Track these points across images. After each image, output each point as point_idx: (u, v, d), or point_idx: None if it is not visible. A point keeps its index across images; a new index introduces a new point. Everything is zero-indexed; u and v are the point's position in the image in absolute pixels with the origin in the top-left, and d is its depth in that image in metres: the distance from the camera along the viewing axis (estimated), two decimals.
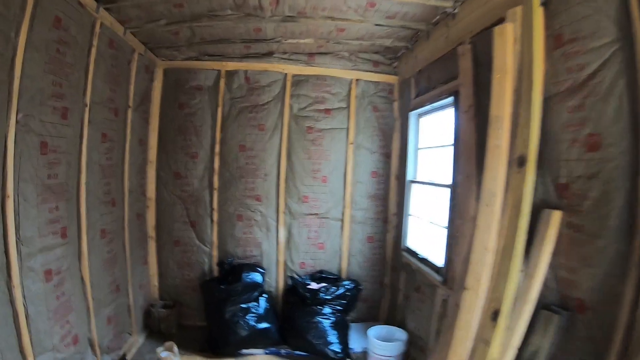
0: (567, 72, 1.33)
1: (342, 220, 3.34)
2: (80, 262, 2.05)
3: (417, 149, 3.01)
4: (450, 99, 2.31)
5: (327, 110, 3.29)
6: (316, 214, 3.31)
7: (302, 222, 3.28)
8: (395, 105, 3.38)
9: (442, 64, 2.47)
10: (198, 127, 3.14)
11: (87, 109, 2.00)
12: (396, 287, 3.13)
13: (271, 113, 3.21)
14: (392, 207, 3.39)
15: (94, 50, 2.07)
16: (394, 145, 3.37)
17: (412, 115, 2.98)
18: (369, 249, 3.39)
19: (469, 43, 2.07)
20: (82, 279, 2.08)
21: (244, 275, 2.84)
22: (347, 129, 3.32)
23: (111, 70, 2.32)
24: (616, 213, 1.09)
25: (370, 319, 3.34)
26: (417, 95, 2.91)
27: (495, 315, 1.41)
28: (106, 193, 2.29)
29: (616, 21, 1.13)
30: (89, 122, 2.03)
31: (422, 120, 2.96)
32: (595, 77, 1.22)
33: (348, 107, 3.31)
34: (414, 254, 2.81)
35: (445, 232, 2.28)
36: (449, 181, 2.27)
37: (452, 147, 2.22)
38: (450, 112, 2.32)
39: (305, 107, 3.26)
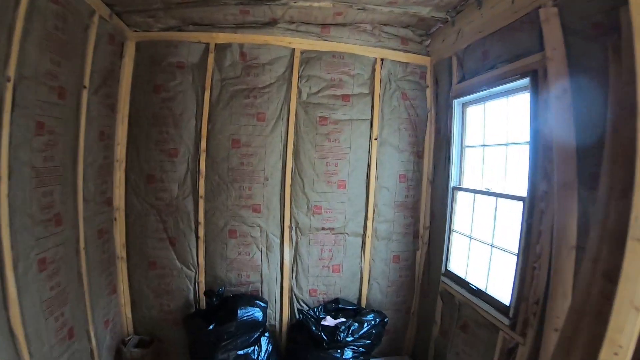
0: None
1: (363, 236, 2.84)
2: (6, 311, 1.50)
3: (462, 147, 2.51)
4: (523, 82, 1.84)
5: (344, 97, 2.77)
6: (331, 229, 2.79)
7: (312, 239, 2.77)
8: (428, 92, 2.90)
9: (505, 36, 2.02)
10: (178, 116, 2.57)
11: (9, 85, 1.43)
12: (429, 317, 2.69)
13: (273, 99, 2.67)
14: (424, 219, 2.90)
15: (23, 1, 1.50)
16: (427, 141, 2.88)
17: (456, 104, 2.50)
18: (395, 271, 2.90)
19: (553, 5, 1.65)
20: (11, 331, 1.53)
21: (241, 311, 2.30)
22: (370, 120, 2.81)
23: (54, 35, 1.75)
24: None
25: (392, 352, 2.92)
26: (462, 79, 2.43)
27: None
28: (45, 208, 1.72)
29: None
30: (14, 104, 1.46)
31: (471, 110, 2.48)
32: None
33: (371, 93, 2.80)
34: (461, 281, 2.37)
35: (514, 259, 1.85)
36: (522, 192, 1.83)
37: (529, 146, 1.77)
38: (521, 98, 1.89)
39: (317, 92, 2.73)
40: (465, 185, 2.51)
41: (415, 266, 2.92)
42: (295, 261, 2.76)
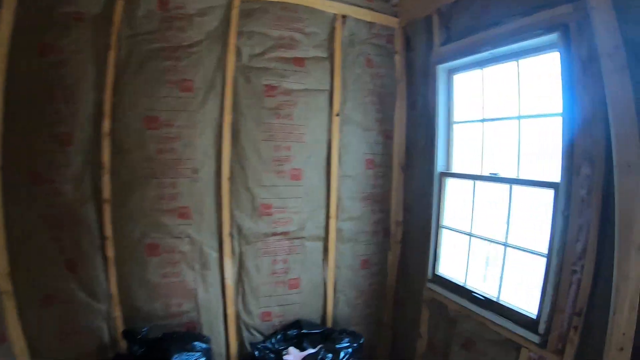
0: None
1: (324, 239, 2.95)
2: None
3: (450, 123, 2.75)
4: (547, 39, 2.00)
5: (297, 60, 2.79)
6: (284, 233, 2.83)
7: (261, 249, 2.80)
8: (397, 59, 3.11)
9: None
10: (71, 87, 2.27)
11: None
12: (409, 330, 2.93)
13: (203, 61, 2.58)
14: (396, 214, 3.09)
15: None
16: (397, 119, 3.09)
17: (440, 71, 2.71)
18: (364, 279, 3.10)
19: None
20: None
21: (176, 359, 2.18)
22: (330, 91, 2.88)
23: None
24: None
25: None
26: (447, 41, 2.65)
27: None
28: None
29: None
30: None
31: (459, 78, 2.71)
32: None
33: (330, 57, 2.88)
34: (458, 288, 2.57)
35: (541, 262, 2.01)
36: (551, 176, 1.99)
37: (563, 120, 1.92)
38: (538, 60, 2.07)
39: (262, 54, 2.72)
40: (455, 170, 2.74)
41: (387, 270, 3.15)
42: (240, 279, 2.72)
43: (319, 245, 2.92)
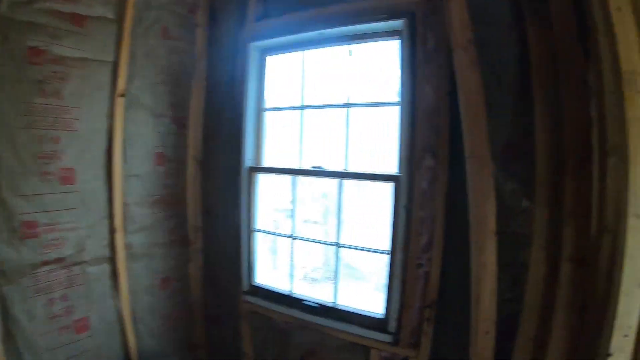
0: None
1: (111, 260, 2.66)
2: None
3: (260, 110, 2.93)
4: (392, 24, 2.30)
5: (77, 18, 2.39)
6: (58, 260, 2.44)
7: (30, 287, 2.31)
8: (199, 33, 3.07)
9: None
10: None
11: None
12: (231, 349, 3.02)
13: None
14: (194, 217, 3.09)
15: None
16: (195, 104, 3.07)
17: (254, 50, 2.83)
18: (167, 300, 3.03)
19: None
20: None
21: None
22: (115, 64, 2.58)
23: None
24: None
25: None
26: (264, 16, 2.80)
27: None
28: None
29: None
30: None
31: (274, 60, 2.90)
32: None
33: (119, 20, 2.60)
34: (283, 299, 2.75)
35: (383, 259, 2.33)
36: (392, 169, 2.29)
37: (401, 110, 2.22)
38: (377, 46, 2.33)
39: (30, 2, 2.17)
40: (268, 163, 2.92)
41: (190, 285, 3.11)
42: (9, 335, 2.18)
43: (106, 268, 2.60)
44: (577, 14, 1.84)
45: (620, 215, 1.66)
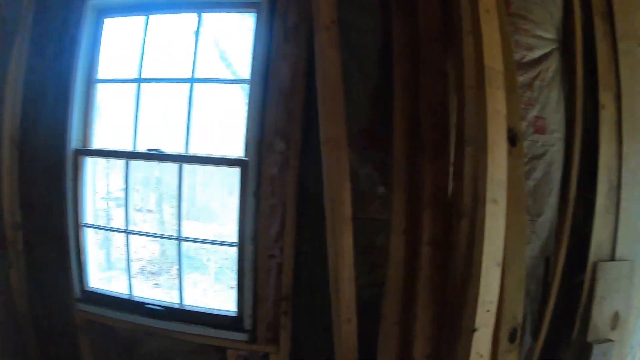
0: (516, 45, 2.04)
1: None
2: None
3: (93, 81, 2.50)
4: None
5: None
6: None
7: None
8: None
9: None
10: None
11: None
12: None
13: None
14: (12, 212, 2.57)
15: None
16: (14, 68, 2.50)
17: (89, 9, 2.43)
18: None
19: None
20: None
21: None
22: None
23: None
24: (554, 193, 1.95)
25: None
26: None
27: (513, 334, 1.92)
28: None
29: (558, 28, 2.17)
30: None
31: (113, 23, 2.51)
32: (542, 64, 2.11)
33: None
34: (127, 304, 2.45)
35: (231, 252, 2.20)
36: (240, 153, 2.17)
37: (251, 89, 2.14)
38: (232, 19, 2.28)
39: None
40: (98, 145, 2.50)
41: (14, 295, 2.57)
42: None
43: None
44: (442, 10, 1.98)
45: (478, 200, 1.77)
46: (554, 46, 2.20)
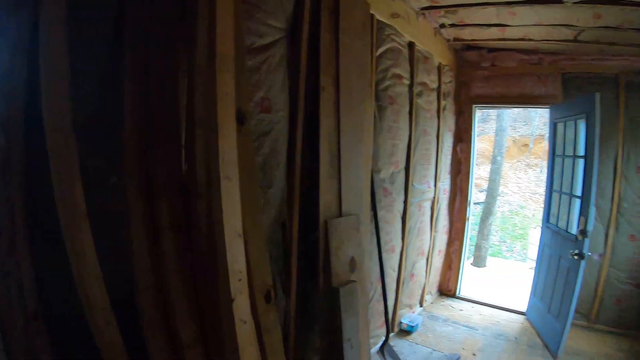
0: (248, 32, 2.19)
1: None
2: None
3: None
4: None
5: None
6: None
7: None
8: None
9: None
10: None
11: None
12: None
13: None
14: None
15: None
16: None
17: None
18: None
19: None
20: None
21: None
22: None
23: None
24: (282, 165, 2.24)
25: None
26: None
27: (268, 296, 2.15)
28: None
29: (288, 19, 2.44)
30: None
31: None
32: (270, 50, 2.34)
33: None
34: None
35: None
36: None
37: None
38: None
39: None
40: None
41: None
42: None
43: None
44: None
45: (212, 179, 1.85)
46: (282, 34, 2.44)
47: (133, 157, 1.93)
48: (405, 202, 4.05)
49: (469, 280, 6.13)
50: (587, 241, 3.68)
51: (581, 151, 3.95)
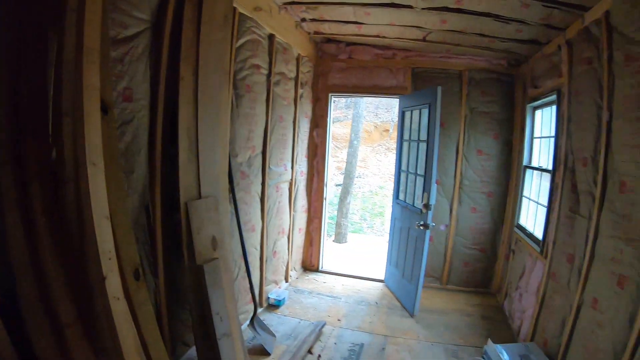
0: (112, 23, 2.26)
1: None
2: None
3: None
4: None
5: None
6: None
7: None
8: None
9: None
10: None
11: None
12: None
13: None
14: None
15: None
16: None
17: None
18: None
19: None
20: None
21: None
22: None
23: None
24: (144, 151, 2.49)
25: None
26: None
27: (137, 274, 2.32)
28: None
29: (153, 11, 2.55)
30: None
31: None
32: (134, 41, 2.43)
33: None
34: None
35: None
36: None
37: None
38: None
39: None
40: None
41: None
42: None
43: None
44: None
45: (79, 165, 1.98)
46: (147, 26, 2.51)
47: (4, 146, 1.99)
48: (262, 184, 4.30)
49: (331, 255, 6.68)
50: (430, 213, 4.37)
51: (424, 136, 4.57)
